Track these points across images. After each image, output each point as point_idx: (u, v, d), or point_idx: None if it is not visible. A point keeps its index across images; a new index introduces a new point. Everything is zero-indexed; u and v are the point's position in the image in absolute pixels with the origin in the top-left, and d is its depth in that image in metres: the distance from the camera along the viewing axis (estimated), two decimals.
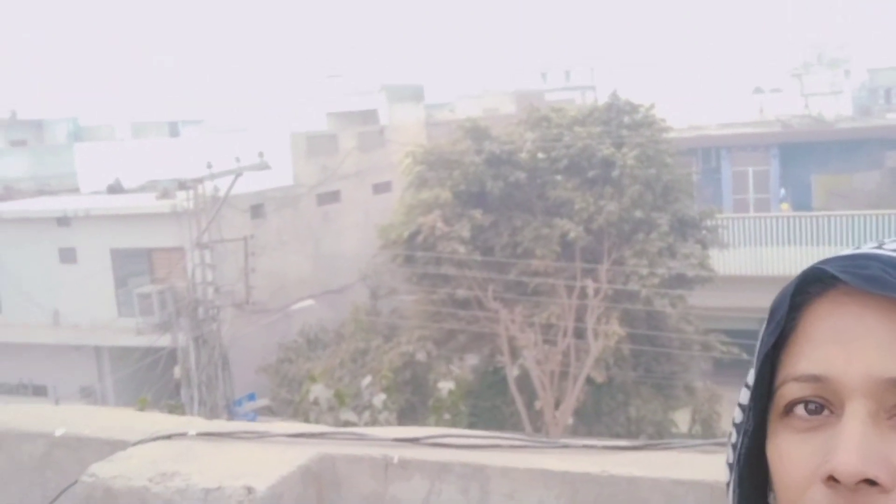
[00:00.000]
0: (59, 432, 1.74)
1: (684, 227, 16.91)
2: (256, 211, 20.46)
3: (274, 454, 1.48)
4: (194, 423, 1.67)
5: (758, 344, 0.72)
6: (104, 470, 1.49)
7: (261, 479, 1.40)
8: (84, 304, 20.35)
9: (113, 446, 1.58)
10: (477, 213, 16.91)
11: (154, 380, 17.72)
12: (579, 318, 16.70)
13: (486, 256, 17.08)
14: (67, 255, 21.00)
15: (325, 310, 20.67)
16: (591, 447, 1.47)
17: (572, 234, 16.27)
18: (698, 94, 30.17)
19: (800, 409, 0.68)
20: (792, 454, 0.68)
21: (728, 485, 0.75)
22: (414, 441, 1.47)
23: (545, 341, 17.01)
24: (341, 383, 16.92)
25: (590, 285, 16.41)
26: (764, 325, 0.72)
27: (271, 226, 20.77)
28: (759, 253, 20.51)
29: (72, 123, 34.87)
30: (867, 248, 0.71)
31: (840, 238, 19.91)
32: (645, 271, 16.14)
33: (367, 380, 16.56)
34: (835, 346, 0.67)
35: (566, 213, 16.66)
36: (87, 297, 20.25)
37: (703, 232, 17.27)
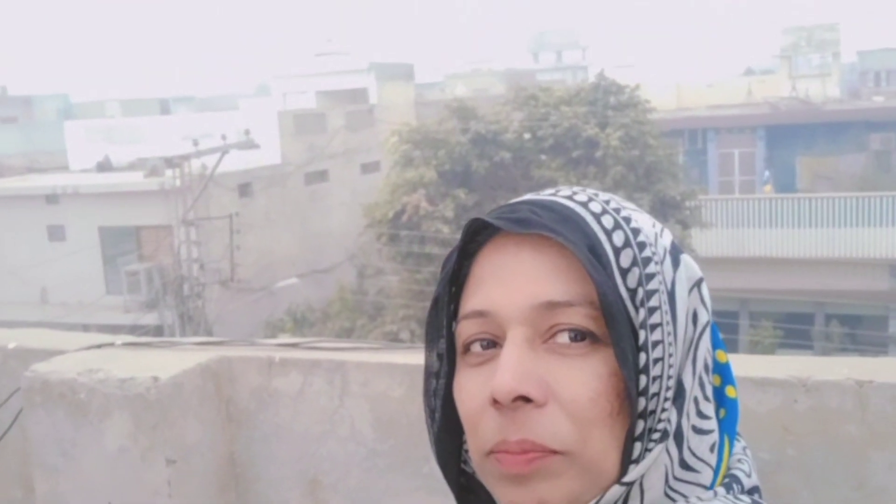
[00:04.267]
0: (11, 345, 1.99)
1: (665, 208, 17.11)
2: (244, 189, 20.62)
3: (180, 356, 1.77)
4: (122, 338, 1.95)
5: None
6: (42, 367, 1.74)
7: (165, 371, 1.68)
8: (72, 281, 20.51)
9: (53, 354, 1.83)
10: (461, 193, 17.09)
11: None
12: None
13: None
14: (56, 233, 21.15)
15: (312, 289, 20.87)
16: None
17: None
18: (690, 75, 30.34)
19: (475, 346, 0.74)
20: (468, 387, 0.74)
21: (428, 428, 0.81)
22: (293, 346, 1.77)
23: None
24: None
25: None
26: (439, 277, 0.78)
27: (258, 204, 20.94)
28: (741, 234, 20.72)
29: (62, 100, 34.95)
30: (543, 194, 0.78)
31: (823, 220, 20.13)
32: None
33: None
34: (495, 283, 0.73)
35: None
36: (75, 274, 20.41)
37: (685, 212, 17.48)
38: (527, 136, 17.33)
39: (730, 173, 24.72)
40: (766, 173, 24.16)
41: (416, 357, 1.58)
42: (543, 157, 17.12)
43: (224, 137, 16.92)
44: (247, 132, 17.40)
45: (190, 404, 1.69)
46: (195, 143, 16.90)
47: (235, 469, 1.79)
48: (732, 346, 19.94)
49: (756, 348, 19.55)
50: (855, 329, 20.02)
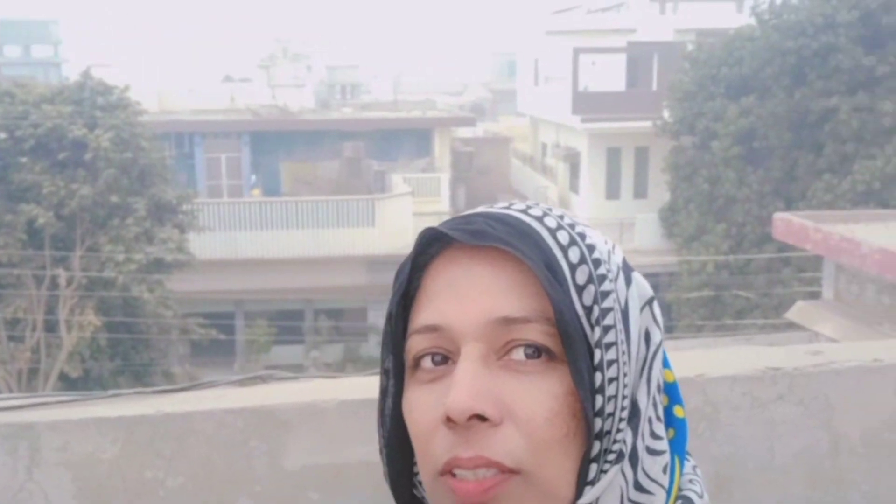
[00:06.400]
0: None
1: (161, 212, 16.78)
2: None
3: None
4: None
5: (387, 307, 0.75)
6: None
7: None
8: None
9: None
10: None
11: None
12: (50, 310, 15.68)
13: None
14: None
15: None
16: (142, 393, 1.53)
17: (41, 221, 15.17)
18: (171, 78, 30.04)
19: (426, 362, 0.71)
20: (419, 404, 0.71)
21: (380, 450, 0.77)
22: None
23: (11, 338, 15.66)
24: None
25: (61, 275, 15.48)
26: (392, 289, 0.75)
27: None
28: (233, 237, 21.17)
29: None
30: (496, 207, 0.75)
31: (306, 221, 21.44)
32: (122, 257, 15.70)
33: None
34: (449, 296, 0.70)
35: (33, 197, 15.47)
36: None
37: (181, 216, 17.32)
38: (2, 135, 15.69)
39: (218, 177, 25.07)
40: (253, 177, 25.00)
41: (132, 406, 1.37)
42: (24, 159, 15.62)
43: None
44: None
45: None
46: None
47: None
48: (230, 347, 20.34)
49: (252, 346, 20.18)
50: (340, 321, 21.74)
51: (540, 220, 0.73)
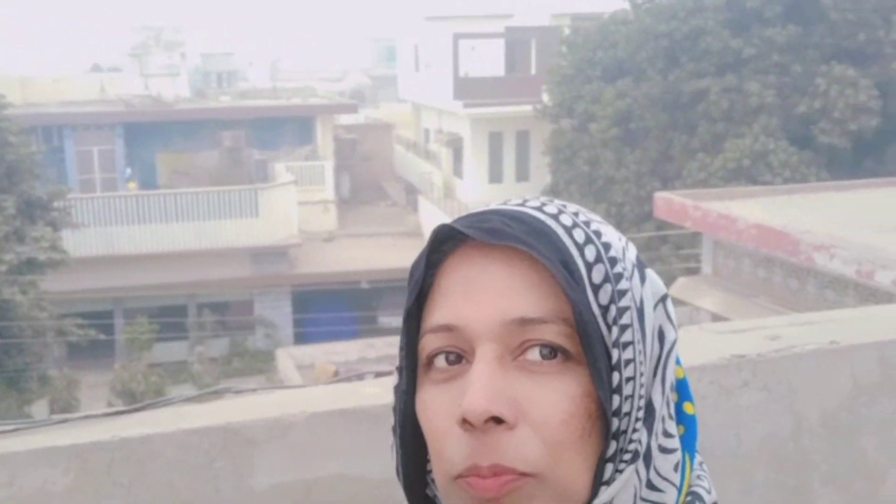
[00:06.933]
0: None
1: (32, 209, 16.02)
2: None
3: None
4: None
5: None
6: None
7: None
8: None
9: None
10: None
11: None
12: None
13: None
14: None
15: None
16: (92, 416, 1.43)
17: None
18: (33, 68, 28.57)
19: (440, 361, 0.70)
20: (433, 404, 0.70)
21: (392, 448, 0.76)
22: None
23: None
24: None
25: None
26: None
27: None
28: (109, 233, 20.41)
29: None
30: (510, 204, 0.74)
31: (186, 214, 20.84)
32: None
33: None
34: (463, 296, 0.70)
35: None
36: None
37: (53, 213, 16.58)
38: None
39: (90, 171, 24.10)
40: (128, 170, 24.14)
41: (84, 432, 1.26)
42: None
43: None
44: None
45: None
46: None
47: None
48: (110, 347, 19.57)
49: (133, 345, 19.50)
50: (225, 315, 21.25)
51: (555, 217, 0.72)
